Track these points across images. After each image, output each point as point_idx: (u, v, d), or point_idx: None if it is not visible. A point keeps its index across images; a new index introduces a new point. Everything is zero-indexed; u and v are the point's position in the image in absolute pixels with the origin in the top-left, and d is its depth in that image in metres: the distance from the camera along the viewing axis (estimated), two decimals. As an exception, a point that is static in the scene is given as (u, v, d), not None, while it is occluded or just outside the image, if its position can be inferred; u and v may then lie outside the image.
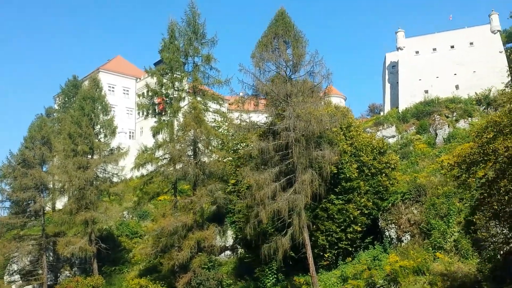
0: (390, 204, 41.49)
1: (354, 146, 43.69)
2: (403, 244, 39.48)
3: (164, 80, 51.97)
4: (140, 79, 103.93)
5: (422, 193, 39.84)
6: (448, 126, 69.45)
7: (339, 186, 42.02)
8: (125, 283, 54.23)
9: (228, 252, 54.92)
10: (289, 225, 38.93)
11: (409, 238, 39.21)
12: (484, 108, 73.52)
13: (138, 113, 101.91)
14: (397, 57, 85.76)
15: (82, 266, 60.26)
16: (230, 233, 54.48)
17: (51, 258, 57.29)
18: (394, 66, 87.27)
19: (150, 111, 52.68)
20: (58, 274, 59.39)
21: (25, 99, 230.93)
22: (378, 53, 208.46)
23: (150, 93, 51.86)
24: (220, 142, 53.29)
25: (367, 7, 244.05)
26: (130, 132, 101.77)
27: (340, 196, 42.09)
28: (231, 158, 52.89)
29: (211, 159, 47.06)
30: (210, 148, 48.06)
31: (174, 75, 51.98)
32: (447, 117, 72.33)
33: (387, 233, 41.12)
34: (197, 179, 45.33)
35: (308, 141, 38.26)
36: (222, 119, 56.99)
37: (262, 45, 39.93)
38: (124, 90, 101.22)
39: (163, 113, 53.08)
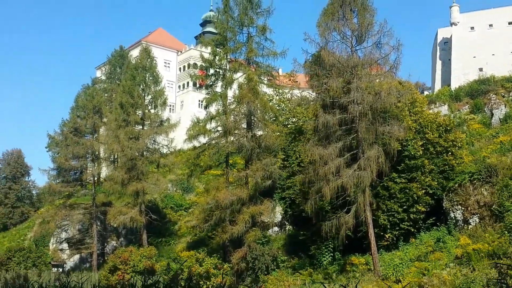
0: (456, 185, 39.61)
1: (419, 123, 41.87)
2: (470, 226, 37.69)
3: (218, 50, 50.57)
4: (181, 52, 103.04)
5: (493, 173, 37.79)
6: (505, 106, 66.54)
7: (402, 164, 40.34)
8: (173, 255, 54.08)
9: (276, 229, 54.02)
10: (351, 203, 37.62)
11: (477, 220, 37.38)
12: (543, 88, 70.26)
13: (179, 86, 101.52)
14: (450, 33, 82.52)
15: (128, 236, 60.43)
16: (278, 209, 53.49)
17: (98, 227, 57.43)
18: (447, 42, 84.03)
19: (204, 82, 51.30)
20: (105, 244, 59.66)
21: (67, 71, 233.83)
22: (428, 29, 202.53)
23: (204, 64, 50.40)
24: (272, 116, 51.90)
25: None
26: (170, 105, 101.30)
27: (403, 175, 40.42)
28: (280, 133, 51.54)
29: (266, 132, 45.64)
30: (265, 121, 46.64)
31: (228, 45, 50.53)
32: (503, 96, 69.27)
33: (452, 215, 39.37)
34: (252, 152, 44.08)
35: (375, 116, 36.57)
36: (275, 92, 55.46)
37: (328, 13, 38.11)
38: (166, 62, 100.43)
39: (213, 85, 51.83)
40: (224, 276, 40.15)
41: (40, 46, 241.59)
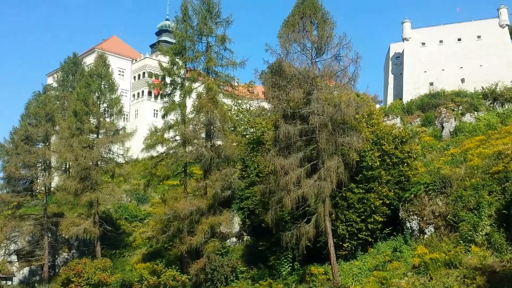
0: (412, 195, 40.41)
1: (376, 134, 42.60)
2: (426, 236, 38.48)
3: (176, 59, 50.10)
4: (136, 60, 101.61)
5: (448, 184, 38.82)
6: (455, 120, 68.89)
7: (360, 175, 40.86)
8: (128, 267, 52.86)
9: (234, 239, 53.60)
10: (311, 213, 37.80)
11: (433, 230, 38.21)
12: (491, 103, 73.13)
13: (134, 95, 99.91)
14: (402, 48, 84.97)
15: (81, 248, 58.64)
16: (236, 219, 53.19)
17: (49, 239, 55.46)
18: (399, 57, 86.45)
19: (161, 91, 50.65)
20: (56, 256, 57.67)
21: (17, 78, 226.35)
22: (379, 44, 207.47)
23: (162, 73, 49.80)
24: (231, 126, 51.76)
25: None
26: (124, 114, 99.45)
27: (361, 185, 40.93)
28: (239, 143, 51.43)
29: (225, 142, 45.42)
30: (224, 131, 46.45)
31: (187, 55, 50.15)
32: (453, 110, 71.68)
33: (408, 225, 40.10)
34: (211, 162, 43.77)
35: (335, 127, 36.99)
36: (234, 102, 55.40)
37: (289, 24, 38.35)
38: (120, 71, 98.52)
39: (171, 94, 51.21)
40: (182, 288, 39.54)
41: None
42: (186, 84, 49.42)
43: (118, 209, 63.75)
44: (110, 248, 56.18)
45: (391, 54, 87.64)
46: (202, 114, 45.46)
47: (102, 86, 53.16)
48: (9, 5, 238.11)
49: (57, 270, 56.69)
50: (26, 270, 56.60)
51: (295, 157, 36.20)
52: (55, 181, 62.13)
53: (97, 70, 53.37)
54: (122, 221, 62.34)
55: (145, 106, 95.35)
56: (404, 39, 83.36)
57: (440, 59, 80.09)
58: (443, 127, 68.21)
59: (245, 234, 53.35)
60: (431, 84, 78.59)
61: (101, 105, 53.39)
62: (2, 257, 56.79)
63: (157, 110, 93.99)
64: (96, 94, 52.79)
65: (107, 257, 53.37)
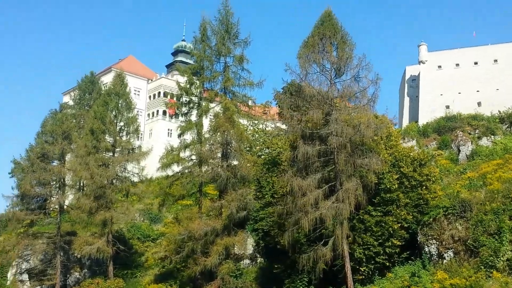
0: (431, 219, 39.77)
1: (394, 156, 42.10)
2: (445, 261, 37.73)
3: (194, 79, 50.25)
4: (152, 80, 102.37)
5: (467, 208, 38.15)
6: (471, 143, 68.17)
7: (378, 197, 40.31)
8: (140, 288, 52.31)
9: (247, 261, 52.94)
10: (327, 235, 37.27)
11: (452, 255, 37.48)
12: (507, 127, 72.40)
13: (148, 114, 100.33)
14: (418, 71, 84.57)
15: (93, 268, 58.20)
16: (250, 241, 52.58)
17: (62, 258, 55.08)
18: (414, 79, 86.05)
19: (178, 110, 50.65)
20: (68, 275, 57.19)
21: (32, 97, 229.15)
22: (395, 66, 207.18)
23: (180, 92, 49.88)
24: (247, 146, 51.52)
25: (387, 18, 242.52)
26: (139, 133, 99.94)
27: (379, 208, 40.33)
28: (255, 163, 51.09)
29: (241, 162, 45.08)
30: (240, 151, 46.19)
31: (205, 74, 50.29)
32: (470, 133, 71.05)
33: (426, 249, 39.37)
34: (227, 182, 43.43)
35: (353, 148, 36.65)
36: (250, 122, 55.29)
37: (309, 45, 38.40)
38: (135, 90, 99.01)
39: (188, 113, 51.24)
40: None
41: (4, 71, 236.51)
42: (203, 104, 49.45)
43: (131, 228, 63.35)
44: (122, 268, 55.65)
45: (407, 77, 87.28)
46: (218, 133, 45.31)
47: (119, 104, 53.31)
48: (26, 23, 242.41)
49: (68, 290, 56.27)
50: (36, 289, 56.22)
51: (313, 178, 35.84)
52: (69, 199, 62.15)
53: (114, 88, 53.64)
54: (135, 240, 61.87)
55: (160, 126, 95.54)
56: (420, 62, 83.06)
57: (456, 83, 79.56)
58: (459, 151, 67.45)
59: (258, 256, 52.65)
60: (447, 107, 77.96)
61: (117, 123, 53.47)
62: (14, 276, 56.51)
63: (171, 130, 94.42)
64: (113, 113, 52.96)
65: (119, 277, 52.94)
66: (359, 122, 36.05)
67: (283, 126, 60.27)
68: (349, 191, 35.17)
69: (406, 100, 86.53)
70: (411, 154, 43.28)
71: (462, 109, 75.87)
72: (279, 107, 79.32)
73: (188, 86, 50.37)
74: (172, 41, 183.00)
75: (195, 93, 50.21)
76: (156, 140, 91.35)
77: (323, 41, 38.86)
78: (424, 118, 78.60)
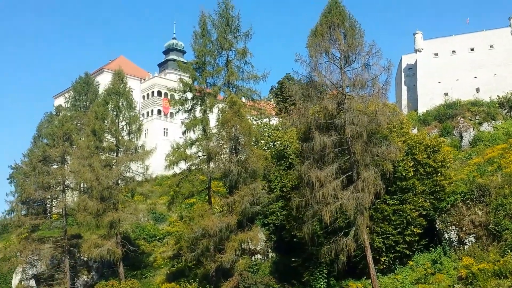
0: (449, 205, 39.35)
1: (407, 144, 41.61)
2: (466, 246, 37.32)
3: (197, 74, 49.33)
4: (144, 79, 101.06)
5: (486, 193, 37.74)
6: (473, 129, 68.18)
7: (394, 186, 39.86)
8: (152, 288, 51.37)
9: (258, 256, 52.22)
10: (347, 226, 36.69)
11: (473, 240, 37.08)
12: (507, 111, 72.55)
13: (143, 114, 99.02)
14: (414, 59, 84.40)
15: (101, 270, 57.12)
16: (260, 236, 51.85)
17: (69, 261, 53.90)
18: (411, 68, 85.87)
19: (181, 107, 49.62)
20: (75, 279, 56.00)
21: (23, 100, 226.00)
22: (389, 56, 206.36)
23: (183, 88, 48.88)
24: (254, 140, 50.67)
25: (378, 8, 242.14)
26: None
27: (395, 196, 39.93)
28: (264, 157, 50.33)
29: (251, 157, 44.16)
30: (249, 145, 45.30)
31: (207, 69, 49.37)
32: (470, 120, 71.10)
33: (446, 235, 38.95)
34: (239, 177, 42.55)
35: (370, 137, 36.03)
36: (255, 116, 54.50)
37: (318, 34, 37.65)
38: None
39: (192, 110, 50.27)
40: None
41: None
42: (208, 99, 48.53)
43: (136, 229, 62.29)
44: (131, 269, 54.66)
45: (403, 66, 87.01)
46: (226, 128, 44.40)
47: (120, 103, 52.15)
48: (14, 24, 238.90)
49: (77, 294, 55.13)
50: (44, 295, 55.00)
51: (330, 168, 35.15)
52: (70, 201, 60.86)
53: (114, 87, 52.43)
54: (141, 241, 60.84)
55: (155, 125, 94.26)
56: (416, 51, 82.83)
57: (453, 70, 79.51)
58: (462, 137, 67.51)
59: (270, 250, 51.96)
60: (446, 94, 77.91)
61: (119, 123, 52.34)
62: (21, 282, 55.28)
63: (167, 129, 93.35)
64: (114, 112, 51.80)
65: (129, 278, 51.96)
66: (375, 110, 35.40)
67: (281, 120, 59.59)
68: (368, 180, 34.56)
69: (404, 89, 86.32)
70: (424, 140, 42.73)
71: (461, 95, 75.91)
72: (277, 102, 78.93)
73: (191, 81, 49.44)
74: (162, 40, 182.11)
75: (198, 89, 49.28)
76: (152, 140, 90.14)
77: (332, 29, 38.17)
78: (424, 106, 78.47)
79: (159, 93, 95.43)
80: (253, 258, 50.99)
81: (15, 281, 60.47)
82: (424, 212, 39.95)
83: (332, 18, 38.24)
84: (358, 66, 38.12)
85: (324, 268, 40.12)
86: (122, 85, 53.76)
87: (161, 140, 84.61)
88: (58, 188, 53.22)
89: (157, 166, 67.14)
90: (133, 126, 52.61)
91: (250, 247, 48.86)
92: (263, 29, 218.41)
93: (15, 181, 65.79)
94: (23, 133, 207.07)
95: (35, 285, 55.30)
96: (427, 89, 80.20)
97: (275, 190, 49.77)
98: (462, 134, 67.76)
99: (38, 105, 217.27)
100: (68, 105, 74.65)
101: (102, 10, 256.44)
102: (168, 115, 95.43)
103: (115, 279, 48.04)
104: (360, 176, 35.32)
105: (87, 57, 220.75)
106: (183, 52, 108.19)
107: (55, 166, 53.98)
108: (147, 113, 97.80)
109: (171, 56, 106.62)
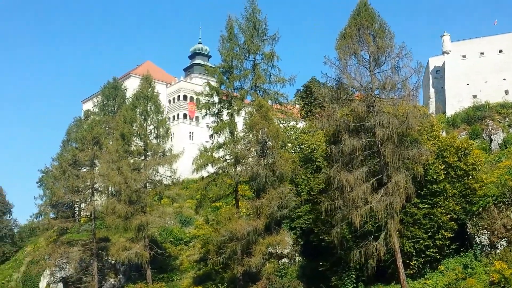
0: (480, 208, 38.64)
1: (438, 146, 41.00)
2: (498, 251, 36.58)
3: (224, 78, 49.44)
4: (170, 84, 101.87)
5: (518, 196, 37.04)
6: (502, 132, 67.10)
7: (424, 189, 39.29)
8: (181, 292, 51.55)
9: (285, 260, 51.96)
10: (376, 230, 36.31)
11: (505, 244, 36.32)
12: (537, 114, 71.08)
13: (169, 118, 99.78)
14: (441, 62, 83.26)
15: (128, 273, 57.58)
16: (287, 240, 51.58)
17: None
18: (439, 71, 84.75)
19: (208, 111, 49.71)
20: (103, 282, 56.54)
21: (51, 105, 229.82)
22: (416, 57, 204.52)
23: (211, 92, 49.06)
24: (281, 143, 50.58)
25: (405, 10, 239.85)
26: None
27: (425, 200, 39.33)
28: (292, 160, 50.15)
29: (279, 160, 43.98)
30: (277, 148, 45.21)
31: (234, 73, 49.45)
32: (500, 122, 69.99)
33: (477, 239, 38.25)
34: (266, 180, 42.49)
35: (400, 139, 35.63)
36: (282, 119, 54.41)
37: (347, 36, 37.48)
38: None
39: (219, 113, 50.36)
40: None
41: (19, 83, 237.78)
42: (235, 103, 48.61)
43: (163, 232, 62.68)
44: (158, 272, 54.99)
45: (431, 68, 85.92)
46: (254, 131, 44.40)
47: (148, 108, 52.61)
48: (38, 30, 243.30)
49: (104, 297, 55.66)
50: (72, 298, 55.67)
51: (360, 171, 34.84)
52: (98, 205, 61.51)
53: (143, 92, 52.92)
54: (167, 244, 61.17)
55: (181, 129, 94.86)
56: (444, 53, 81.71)
57: (482, 72, 78.23)
58: (491, 140, 66.45)
59: (296, 254, 51.69)
60: (475, 96, 76.68)
61: (147, 127, 52.78)
62: (48, 284, 56.05)
63: (192, 133, 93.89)
64: (143, 116, 52.26)
65: (156, 281, 52.24)
66: (406, 112, 35.01)
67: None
68: (399, 183, 34.19)
69: (432, 91, 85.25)
70: (455, 143, 42.06)
71: (489, 98, 74.67)
72: (304, 105, 78.54)
73: (218, 85, 49.58)
74: (188, 44, 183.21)
75: (226, 92, 49.40)
76: (178, 143, 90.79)
77: (361, 31, 37.98)
78: (452, 108, 77.38)
79: (185, 97, 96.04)
80: (279, 262, 50.80)
81: (42, 284, 61.40)
82: (455, 216, 39.27)
83: (361, 20, 38.07)
84: (387, 68, 37.90)
85: (353, 272, 39.72)
86: (150, 89, 54.24)
87: (187, 144, 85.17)
88: (87, 192, 53.86)
89: (183, 169, 67.60)
90: (161, 130, 53.00)
91: (277, 251, 48.65)
92: (287, 32, 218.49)
93: (44, 184, 66.78)
94: (51, 138, 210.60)
95: (63, 287, 56.05)
96: (455, 92, 79.06)
97: (302, 194, 49.53)
98: (492, 136, 66.73)
99: (66, 109, 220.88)
100: (97, 110, 75.58)
101: (129, 16, 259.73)
102: (194, 119, 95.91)
103: (142, 282, 48.27)
104: (391, 179, 34.93)
105: (114, 62, 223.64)
106: (208, 56, 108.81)
107: (84, 170, 54.62)
108: (173, 117, 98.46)
109: (196, 61, 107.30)
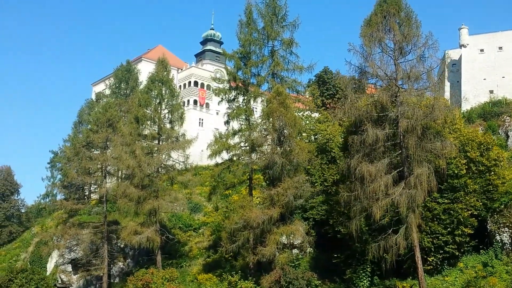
0: (502, 205, 37.81)
1: (459, 140, 40.08)
2: (519, 250, 35.78)
3: (241, 64, 48.47)
4: (182, 69, 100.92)
5: (542, 193, 36.15)
6: (519, 128, 65.90)
7: (445, 184, 38.43)
8: (189, 278, 51.08)
9: (295, 251, 51.30)
10: (396, 224, 35.51)
11: (527, 243, 35.51)
12: (555, 111, 69.84)
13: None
14: (458, 55, 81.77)
15: (136, 257, 57.18)
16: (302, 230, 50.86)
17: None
18: (455, 64, 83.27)
19: (224, 97, 48.86)
20: (111, 265, 56.09)
21: (60, 88, 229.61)
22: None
23: (228, 77, 48.19)
24: (298, 132, 49.71)
25: (422, 1, 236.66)
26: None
27: (445, 195, 38.49)
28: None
29: (296, 149, 43.13)
30: (295, 137, 44.30)
31: (252, 59, 48.47)
32: (517, 118, 68.76)
33: (498, 237, 37.46)
34: (282, 169, 41.69)
35: (423, 132, 34.73)
36: (298, 109, 53.49)
37: (372, 24, 36.45)
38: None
39: (235, 99, 49.49)
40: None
41: (28, 65, 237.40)
42: (252, 89, 47.73)
43: (172, 218, 62.14)
44: (167, 258, 54.48)
45: (447, 61, 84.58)
46: (271, 119, 43.54)
47: (163, 91, 51.79)
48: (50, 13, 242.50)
49: (112, 280, 55.27)
50: (81, 280, 55.32)
51: (382, 163, 34.01)
52: (109, 187, 60.98)
53: (158, 75, 52.05)
54: (176, 230, 60.68)
55: (191, 115, 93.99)
56: (461, 46, 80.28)
57: (500, 66, 76.89)
58: (508, 136, 65.19)
59: (308, 245, 51.00)
60: (491, 92, 75.42)
61: (161, 111, 52.01)
62: (59, 266, 55.71)
63: (202, 119, 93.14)
64: (157, 100, 51.46)
65: (165, 267, 51.73)
66: (429, 104, 34.08)
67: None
68: (421, 176, 33.36)
69: (447, 85, 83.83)
70: (477, 138, 41.12)
71: (507, 93, 73.33)
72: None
73: (235, 70, 48.67)
74: (200, 30, 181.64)
75: (243, 78, 48.49)
76: (188, 129, 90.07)
77: (387, 19, 36.99)
78: (468, 103, 76.03)
79: (196, 83, 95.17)
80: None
81: (50, 264, 61.13)
82: (475, 212, 38.48)
83: (387, 7, 37.00)
84: (413, 58, 36.91)
85: (368, 266, 39.09)
86: (165, 73, 53.31)
87: (196, 131, 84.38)
88: (99, 174, 53.29)
89: (194, 156, 66.92)
90: (175, 115, 52.22)
91: (290, 241, 47.98)
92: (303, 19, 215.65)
93: (53, 165, 66.32)
94: (60, 119, 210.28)
95: (71, 269, 55.68)
96: (472, 86, 77.79)
97: (316, 184, 48.75)
98: (508, 133, 65.48)
99: (75, 92, 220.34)
100: (108, 92, 74.84)
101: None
102: (204, 105, 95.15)
103: (153, 267, 47.76)
104: (413, 172, 34.12)
105: (125, 46, 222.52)
106: (220, 43, 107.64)
107: (97, 152, 54.01)
108: (184, 103, 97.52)
109: (208, 47, 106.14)
